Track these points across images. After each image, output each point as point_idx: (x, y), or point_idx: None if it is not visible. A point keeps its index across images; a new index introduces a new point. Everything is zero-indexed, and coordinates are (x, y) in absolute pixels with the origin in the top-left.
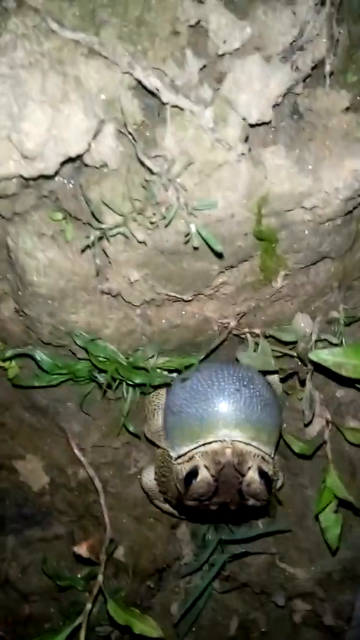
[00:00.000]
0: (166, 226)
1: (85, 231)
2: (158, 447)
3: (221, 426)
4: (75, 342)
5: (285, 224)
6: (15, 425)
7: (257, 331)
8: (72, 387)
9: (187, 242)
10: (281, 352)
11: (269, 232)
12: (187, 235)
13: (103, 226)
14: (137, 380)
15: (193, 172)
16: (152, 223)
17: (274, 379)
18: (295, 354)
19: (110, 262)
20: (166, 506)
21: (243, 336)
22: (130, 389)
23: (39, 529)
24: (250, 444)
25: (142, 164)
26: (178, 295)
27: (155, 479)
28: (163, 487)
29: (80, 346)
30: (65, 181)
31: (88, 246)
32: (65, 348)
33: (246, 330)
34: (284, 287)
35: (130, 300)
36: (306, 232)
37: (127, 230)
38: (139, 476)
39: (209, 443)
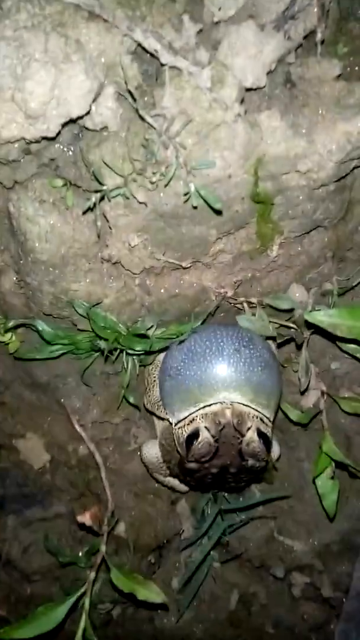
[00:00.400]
0: (166, 186)
1: (85, 198)
2: (158, 418)
3: (220, 389)
4: (76, 311)
5: (280, 189)
6: (16, 404)
7: (254, 300)
8: (72, 362)
9: (186, 201)
10: (277, 323)
11: (265, 195)
12: (186, 194)
13: (104, 187)
14: (138, 348)
15: (191, 132)
16: (152, 183)
17: (272, 347)
18: (291, 324)
19: (110, 228)
20: (167, 480)
21: (240, 307)
22: (130, 359)
23: (40, 508)
24: (249, 406)
25: (143, 119)
26: (177, 262)
27: (160, 451)
28: (167, 457)
29: (81, 314)
30: (65, 148)
31: (89, 208)
32: (66, 320)
33: (243, 299)
34: (279, 256)
35: (130, 267)
36: (301, 197)
37: (128, 191)
38: (138, 452)
39: (209, 405)
